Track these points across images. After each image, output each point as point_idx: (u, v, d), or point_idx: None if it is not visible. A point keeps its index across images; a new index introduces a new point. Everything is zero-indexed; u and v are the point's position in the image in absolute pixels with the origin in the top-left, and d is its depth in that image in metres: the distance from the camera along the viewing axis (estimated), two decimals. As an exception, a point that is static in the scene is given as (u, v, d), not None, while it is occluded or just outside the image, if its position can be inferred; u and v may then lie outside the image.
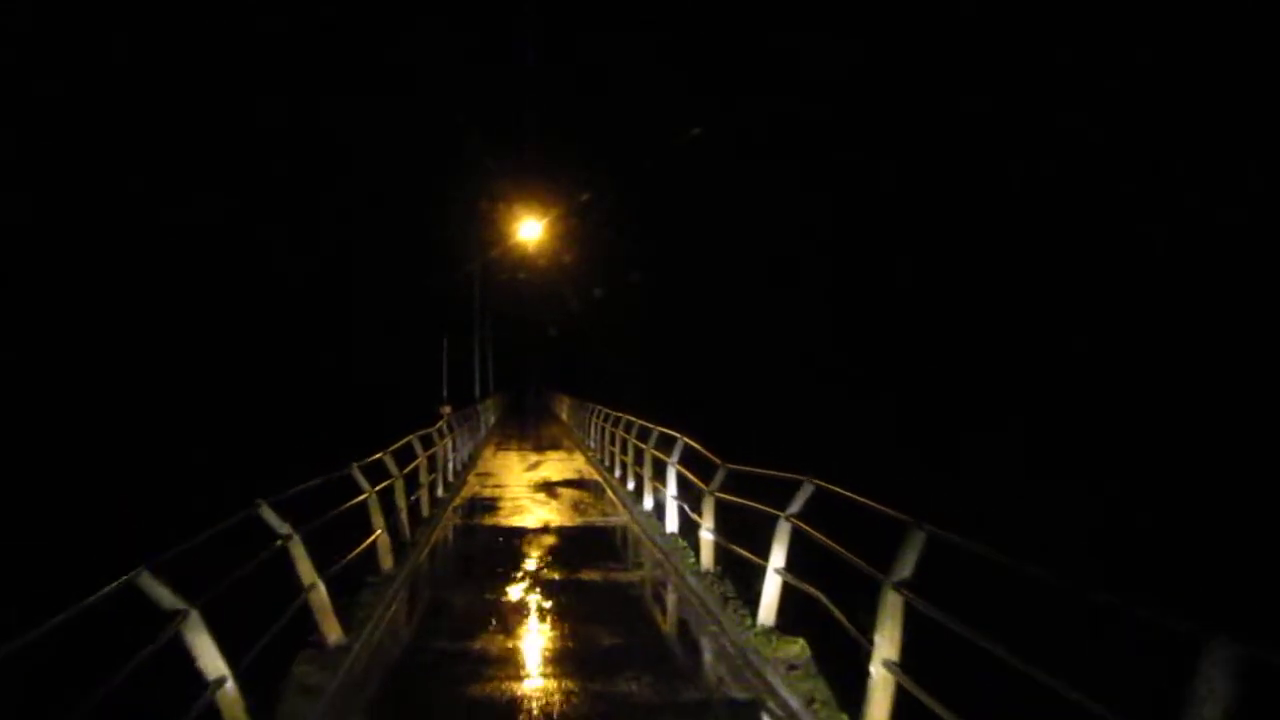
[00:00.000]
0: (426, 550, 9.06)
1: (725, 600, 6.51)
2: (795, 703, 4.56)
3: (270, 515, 5.16)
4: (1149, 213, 23.94)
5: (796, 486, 5.53)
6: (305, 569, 5.34)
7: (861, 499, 4.45)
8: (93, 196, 30.63)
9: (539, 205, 29.11)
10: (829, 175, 36.85)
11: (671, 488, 9.20)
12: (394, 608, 6.74)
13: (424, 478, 10.75)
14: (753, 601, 5.99)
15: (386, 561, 7.58)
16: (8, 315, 25.29)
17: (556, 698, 4.73)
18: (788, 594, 5.65)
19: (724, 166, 41.97)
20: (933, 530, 3.67)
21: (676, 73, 53.93)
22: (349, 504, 6.85)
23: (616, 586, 7.42)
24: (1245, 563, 10.30)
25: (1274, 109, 21.36)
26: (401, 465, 9.08)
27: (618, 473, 14.01)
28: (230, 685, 3.71)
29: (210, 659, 3.68)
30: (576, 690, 4.83)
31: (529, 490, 13.64)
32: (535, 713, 4.54)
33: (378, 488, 7.67)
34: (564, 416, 32.64)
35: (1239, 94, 22.50)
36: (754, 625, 5.78)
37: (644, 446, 11.15)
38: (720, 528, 7.38)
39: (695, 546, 7.94)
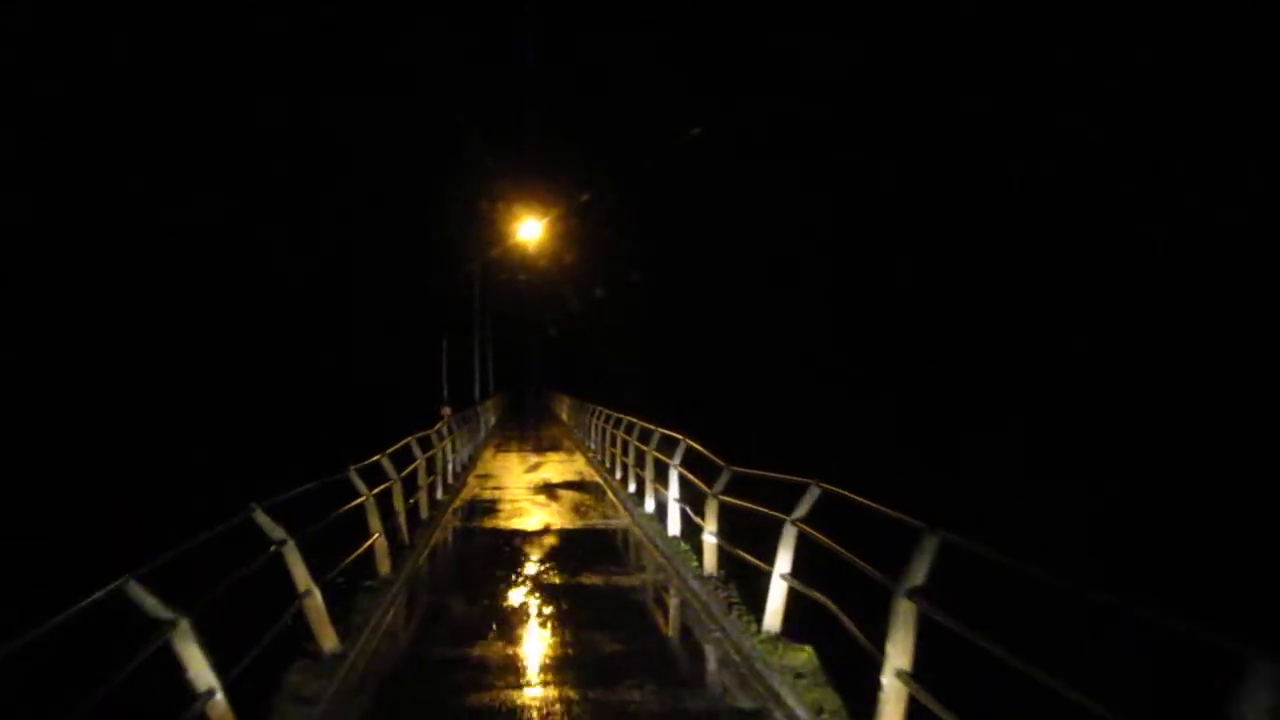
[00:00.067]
0: (425, 554, 8.95)
1: (729, 606, 6.39)
2: (803, 712, 4.45)
3: (265, 520, 5.06)
4: (1149, 213, 23.88)
5: (801, 489, 5.42)
6: (300, 575, 5.24)
7: (870, 503, 4.34)
8: (93, 196, 30.57)
9: (539, 205, 29.06)
10: (829, 175, 36.84)
11: (673, 490, 9.09)
12: (391, 613, 6.63)
13: (423, 480, 10.65)
14: (758, 607, 5.88)
15: (384, 565, 7.46)
16: (8, 315, 25.21)
17: (557, 707, 4.62)
18: (794, 600, 5.54)
19: (724, 166, 41.98)
20: (947, 535, 3.56)
21: (676, 73, 53.99)
22: (345, 508, 6.74)
23: (618, 591, 7.30)
24: (1245, 563, 10.22)
25: (1274, 109, 21.29)
26: (400, 467, 8.97)
27: (618, 474, 13.90)
28: (220, 697, 3.60)
29: (199, 669, 3.57)
30: (577, 699, 4.72)
31: (529, 492, 13.54)
32: (536, 722, 4.44)
33: (375, 490, 7.55)
34: (564, 417, 32.53)
35: (1239, 94, 22.44)
36: (759, 632, 5.67)
37: (645, 448, 11.04)
38: (724, 530, 7.27)
39: (698, 550, 7.83)
